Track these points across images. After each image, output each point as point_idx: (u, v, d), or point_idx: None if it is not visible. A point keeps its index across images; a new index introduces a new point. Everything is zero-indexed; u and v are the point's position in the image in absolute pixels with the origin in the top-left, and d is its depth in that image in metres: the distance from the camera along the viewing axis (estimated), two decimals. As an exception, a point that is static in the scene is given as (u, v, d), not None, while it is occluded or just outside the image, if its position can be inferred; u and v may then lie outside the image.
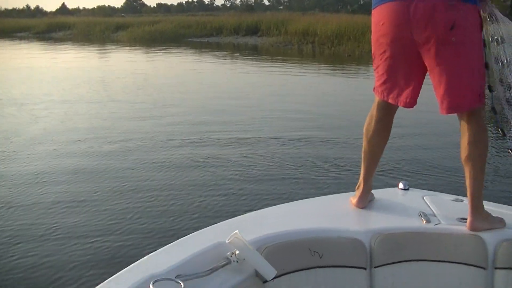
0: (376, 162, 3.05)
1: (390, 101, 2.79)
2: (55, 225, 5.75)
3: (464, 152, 2.69)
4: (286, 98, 13.98)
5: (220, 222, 2.70)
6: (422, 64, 2.66)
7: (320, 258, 2.49)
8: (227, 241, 2.26)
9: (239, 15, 43.05)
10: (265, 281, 2.32)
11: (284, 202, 3.09)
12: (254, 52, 29.93)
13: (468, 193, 2.70)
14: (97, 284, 2.02)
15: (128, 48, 35.59)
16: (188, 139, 9.37)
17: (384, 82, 2.78)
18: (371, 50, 2.90)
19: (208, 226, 2.63)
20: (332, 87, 16.40)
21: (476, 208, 2.68)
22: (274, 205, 3.03)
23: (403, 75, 2.74)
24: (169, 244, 2.41)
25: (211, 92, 15.22)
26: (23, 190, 6.77)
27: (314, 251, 2.49)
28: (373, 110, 2.92)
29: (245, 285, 2.23)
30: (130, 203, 6.31)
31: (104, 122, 11.02)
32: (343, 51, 27.64)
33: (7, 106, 13.05)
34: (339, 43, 29.06)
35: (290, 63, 23.80)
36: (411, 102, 2.75)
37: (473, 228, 2.66)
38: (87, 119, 11.32)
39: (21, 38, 49.48)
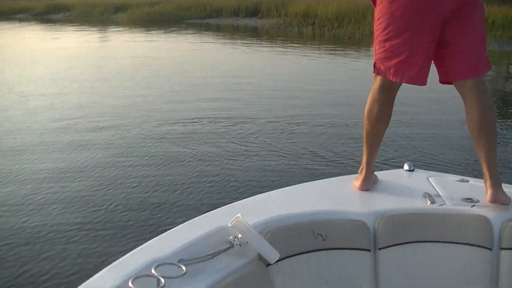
0: (378, 144, 3.05)
1: (404, 81, 2.78)
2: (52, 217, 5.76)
3: (476, 123, 2.70)
4: (285, 80, 13.96)
5: (221, 207, 2.69)
6: (438, 38, 2.71)
7: (324, 240, 2.49)
8: (229, 225, 2.26)
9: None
10: (268, 264, 2.32)
11: (285, 186, 3.07)
12: (254, 34, 29.80)
13: (486, 165, 2.72)
14: (99, 270, 2.04)
15: (127, 29, 35.44)
16: (184, 120, 9.39)
17: (402, 61, 2.73)
18: (372, 33, 2.87)
19: (209, 211, 2.63)
20: (331, 70, 16.34)
21: (497, 179, 2.70)
22: (275, 189, 3.01)
23: (425, 51, 2.74)
24: (171, 229, 2.41)
25: (209, 74, 15.18)
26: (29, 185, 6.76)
27: (317, 233, 2.49)
28: (374, 93, 2.90)
29: (248, 268, 2.23)
30: (126, 192, 6.29)
31: (97, 104, 11.03)
32: (343, 34, 27.50)
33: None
34: (339, 26, 28.88)
35: (290, 45, 23.71)
36: (425, 80, 2.79)
37: (495, 199, 2.67)
38: (80, 101, 11.32)
39: (20, 20, 49.23)
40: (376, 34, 2.83)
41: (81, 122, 9.42)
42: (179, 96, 11.72)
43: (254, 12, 37.65)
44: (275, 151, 7.70)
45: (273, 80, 13.94)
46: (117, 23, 41.53)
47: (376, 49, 2.86)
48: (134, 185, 6.46)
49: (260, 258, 2.29)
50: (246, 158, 7.37)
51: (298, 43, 24.50)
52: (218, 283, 2.09)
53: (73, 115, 10.01)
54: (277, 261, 2.31)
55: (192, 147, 7.85)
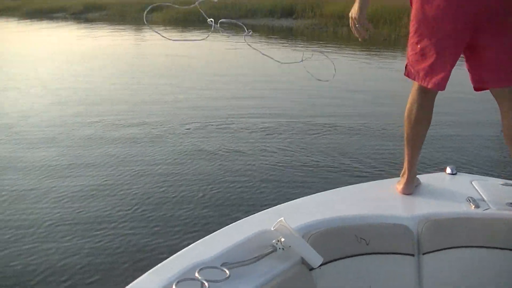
0: (419, 147, 3.02)
1: (430, 86, 2.75)
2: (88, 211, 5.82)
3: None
4: (317, 82, 13.82)
5: (263, 210, 2.71)
6: (467, 44, 2.66)
7: (367, 244, 2.48)
8: (272, 229, 2.27)
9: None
10: (311, 269, 2.31)
11: (327, 189, 3.06)
12: (289, 35, 29.71)
13: None
14: (142, 274, 2.08)
15: (162, 29, 35.66)
16: (220, 124, 9.38)
17: (430, 66, 2.71)
18: (407, 35, 2.86)
19: (250, 215, 2.64)
20: (367, 71, 16.25)
21: None
22: (317, 192, 3.00)
23: (452, 56, 2.70)
24: (214, 232, 2.43)
25: (244, 77, 15.14)
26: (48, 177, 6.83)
27: (360, 237, 2.48)
28: (413, 94, 2.88)
29: (291, 272, 2.22)
30: (167, 192, 6.39)
31: (128, 104, 11.08)
32: (378, 35, 27.25)
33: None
34: (374, 27, 28.38)
35: (324, 45, 23.58)
36: (445, 85, 2.75)
37: None
38: (112, 100, 11.39)
39: (58, 19, 49.90)
40: (409, 35, 2.83)
41: (111, 119, 9.51)
42: (213, 95, 11.74)
43: (289, 13, 37.54)
44: (315, 153, 7.71)
45: (307, 80, 13.86)
46: (152, 23, 41.80)
47: (408, 51, 2.85)
48: (172, 184, 6.59)
49: (303, 262, 2.28)
50: (285, 160, 7.38)
51: (332, 44, 24.37)
52: (261, 287, 2.09)
53: (97, 111, 10.11)
54: (320, 265, 2.30)
55: (230, 148, 7.93)
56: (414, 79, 2.82)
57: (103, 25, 40.11)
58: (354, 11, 2.88)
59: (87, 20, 47.33)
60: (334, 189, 3.06)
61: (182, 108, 10.51)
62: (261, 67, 16.76)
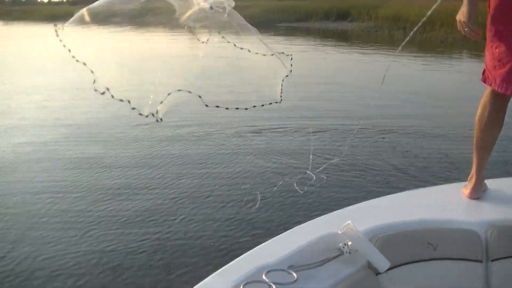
0: (489, 152, 2.97)
1: (508, 93, 2.71)
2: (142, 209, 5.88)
3: None
4: (376, 84, 13.67)
5: (329, 212, 2.68)
6: None
7: (435, 250, 2.42)
8: (339, 232, 2.24)
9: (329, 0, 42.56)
10: (378, 273, 2.28)
11: (392, 193, 3.02)
12: (344, 38, 29.59)
13: None
14: (208, 275, 2.09)
15: (216, 33, 35.87)
16: (285, 126, 9.42)
17: (508, 72, 2.65)
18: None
19: (316, 217, 2.62)
20: (425, 74, 15.96)
21: None
22: (383, 195, 2.97)
23: None
24: (280, 234, 2.42)
25: (301, 78, 15.08)
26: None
27: (428, 242, 2.42)
28: (486, 98, 2.84)
29: (358, 276, 2.20)
30: (231, 193, 6.40)
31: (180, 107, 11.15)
32: (435, 37, 26.88)
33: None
34: (431, 29, 28.16)
35: (381, 48, 23.39)
36: None
37: None
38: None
39: (115, 23, 50.72)
40: (487, 41, 2.77)
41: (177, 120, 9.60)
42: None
43: (344, 16, 37.43)
44: (379, 155, 7.68)
45: (366, 83, 13.76)
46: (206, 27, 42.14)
47: (486, 56, 2.79)
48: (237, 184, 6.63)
49: (370, 266, 2.25)
50: (350, 163, 7.36)
51: (388, 47, 24.16)
52: None
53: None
54: (387, 270, 2.27)
55: (290, 149, 7.98)
56: (490, 85, 2.76)
57: (157, 29, 40.50)
58: (462, 15, 2.81)
59: (144, 24, 47.93)
60: (401, 192, 3.02)
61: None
62: (318, 71, 16.69)
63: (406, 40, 3.04)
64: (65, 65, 17.38)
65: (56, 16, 61.94)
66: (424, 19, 2.89)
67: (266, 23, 40.65)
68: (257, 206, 5.95)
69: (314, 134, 8.87)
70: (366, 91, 12.99)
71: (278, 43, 26.22)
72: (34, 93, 13.41)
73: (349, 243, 2.21)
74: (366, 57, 20.13)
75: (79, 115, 10.60)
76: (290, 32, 34.50)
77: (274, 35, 32.03)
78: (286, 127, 9.32)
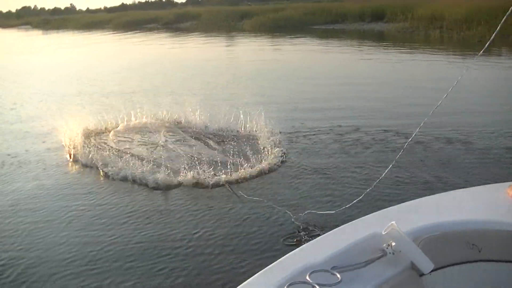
0: None
1: None
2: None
3: None
4: (414, 86, 13.53)
5: (373, 212, 2.65)
6: None
7: (479, 252, 2.37)
8: (383, 233, 2.22)
9: (364, 0, 42.22)
10: (421, 274, 2.24)
11: (436, 193, 2.96)
12: (380, 39, 29.39)
13: None
14: (253, 275, 2.10)
15: (252, 36, 36.05)
16: (336, 125, 9.51)
17: None
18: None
19: (360, 217, 2.60)
20: (467, 75, 15.70)
21: None
22: (426, 195, 2.91)
23: None
24: (324, 235, 2.41)
25: (342, 80, 15.00)
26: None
27: (472, 244, 2.38)
28: None
29: (401, 278, 2.16)
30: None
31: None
32: (472, 36, 26.49)
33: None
34: (468, 28, 27.82)
35: (417, 49, 23.19)
36: None
37: None
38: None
39: (150, 29, 51.25)
40: None
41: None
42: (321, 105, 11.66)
43: (379, 17, 37.16)
44: (422, 158, 7.62)
45: (402, 85, 13.65)
46: (242, 30, 42.31)
47: None
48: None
49: (413, 267, 2.21)
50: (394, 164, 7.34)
51: (425, 47, 23.94)
52: None
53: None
54: (431, 271, 2.22)
55: (332, 156, 7.91)
56: None
57: (194, 34, 40.87)
58: None
59: (179, 29, 48.35)
60: (445, 192, 2.95)
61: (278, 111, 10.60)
62: (354, 73, 16.61)
63: (485, 46, 2.96)
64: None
65: (93, 24, 63.02)
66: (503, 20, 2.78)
67: (300, 25, 40.67)
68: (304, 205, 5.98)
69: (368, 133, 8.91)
70: (401, 91, 12.95)
71: (315, 46, 26.18)
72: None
73: (393, 243, 2.19)
74: (400, 59, 19.89)
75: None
76: (325, 34, 34.36)
77: (310, 37, 31.96)
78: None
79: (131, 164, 7.44)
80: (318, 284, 1.89)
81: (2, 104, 13.48)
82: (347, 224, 2.51)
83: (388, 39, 29.03)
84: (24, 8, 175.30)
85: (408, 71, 16.72)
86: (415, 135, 4.91)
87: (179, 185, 6.85)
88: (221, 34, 39.96)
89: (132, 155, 8.04)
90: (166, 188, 6.78)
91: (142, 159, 7.71)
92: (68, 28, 65.79)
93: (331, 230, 2.46)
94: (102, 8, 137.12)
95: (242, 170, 7.07)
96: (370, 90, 13.30)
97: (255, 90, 13.38)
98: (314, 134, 8.96)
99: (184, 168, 7.16)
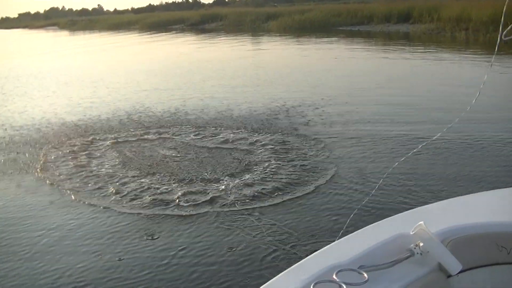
0: None
1: None
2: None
3: None
4: (443, 90, 13.44)
5: (401, 212, 2.68)
6: None
7: (508, 253, 2.36)
8: (411, 233, 2.23)
9: (390, 2, 41.87)
10: (449, 276, 2.24)
11: (466, 193, 2.99)
12: (405, 41, 29.11)
13: None
14: (279, 273, 2.13)
15: (278, 37, 36.00)
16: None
17: None
18: None
19: (389, 216, 2.63)
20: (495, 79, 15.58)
21: None
22: (456, 196, 2.94)
23: None
24: (351, 234, 2.44)
25: (375, 84, 14.93)
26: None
27: (501, 246, 2.36)
28: None
29: (428, 278, 2.16)
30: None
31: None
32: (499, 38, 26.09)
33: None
34: (495, 29, 27.47)
35: (444, 50, 23.02)
36: None
37: None
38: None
39: (176, 30, 51.33)
40: None
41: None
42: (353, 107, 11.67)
43: (405, 18, 36.88)
44: (451, 158, 7.69)
45: (430, 89, 13.58)
46: (268, 31, 42.26)
47: None
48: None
49: (441, 268, 2.21)
50: (424, 163, 7.45)
51: (451, 49, 23.73)
52: None
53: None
54: (459, 272, 2.23)
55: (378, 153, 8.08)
56: None
57: (220, 35, 40.91)
58: None
59: (204, 31, 48.37)
60: (474, 194, 2.96)
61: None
62: (380, 77, 16.56)
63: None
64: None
65: (119, 24, 63.25)
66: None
67: (326, 27, 40.50)
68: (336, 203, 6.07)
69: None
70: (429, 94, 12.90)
71: (342, 49, 26.11)
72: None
73: (421, 244, 2.19)
74: (427, 62, 19.77)
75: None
76: (351, 35, 34.23)
77: (335, 38, 31.84)
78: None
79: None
80: (345, 283, 1.91)
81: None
82: (375, 223, 2.53)
83: (413, 41, 28.78)
84: (52, 9, 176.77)
85: (431, 73, 16.60)
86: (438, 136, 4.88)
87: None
88: (248, 35, 39.93)
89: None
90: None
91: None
92: (95, 29, 66.08)
93: (358, 229, 2.48)
94: (130, 9, 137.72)
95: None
96: (397, 94, 13.29)
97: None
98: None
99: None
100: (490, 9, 29.06)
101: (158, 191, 6.75)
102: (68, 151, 8.79)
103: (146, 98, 13.70)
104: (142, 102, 13.05)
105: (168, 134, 9.61)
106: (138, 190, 6.81)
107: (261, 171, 7.29)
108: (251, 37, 37.92)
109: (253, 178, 7.05)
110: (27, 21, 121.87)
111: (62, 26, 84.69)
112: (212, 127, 10.02)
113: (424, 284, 2.12)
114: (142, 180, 7.18)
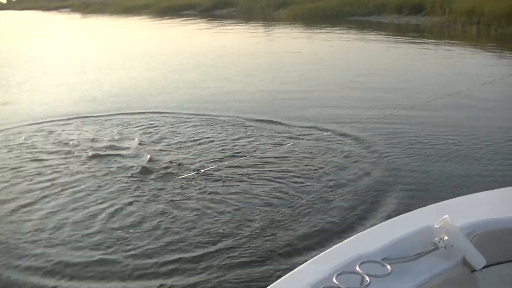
0: None
1: None
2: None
3: None
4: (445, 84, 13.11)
5: (427, 205, 2.65)
6: None
7: None
8: (436, 226, 2.22)
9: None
10: (473, 270, 2.23)
11: (492, 188, 2.92)
12: (415, 33, 28.60)
13: None
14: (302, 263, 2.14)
15: (288, 25, 35.80)
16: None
17: None
18: None
19: (415, 209, 2.62)
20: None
21: None
22: (482, 190, 2.90)
23: None
24: (375, 225, 2.47)
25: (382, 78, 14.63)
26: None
27: None
28: None
29: (452, 273, 2.17)
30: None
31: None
32: (511, 33, 25.63)
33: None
34: (507, 23, 26.89)
35: (454, 45, 22.56)
36: None
37: None
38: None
39: (187, 16, 51.29)
40: None
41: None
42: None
43: (418, 9, 36.35)
44: (478, 153, 7.61)
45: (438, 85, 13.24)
46: (278, 19, 42.02)
47: None
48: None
49: (465, 263, 2.20)
50: (450, 157, 7.43)
51: (464, 41, 23.33)
52: (421, 286, 2.04)
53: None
54: (483, 267, 2.20)
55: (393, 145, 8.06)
56: None
57: (230, 21, 40.78)
58: None
59: (215, 17, 48.29)
60: (500, 188, 2.93)
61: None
62: (393, 70, 16.22)
63: None
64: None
65: (132, 8, 63.30)
66: None
67: (337, 16, 40.15)
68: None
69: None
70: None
71: (351, 39, 25.81)
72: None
73: (445, 237, 2.18)
74: (437, 57, 19.38)
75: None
76: (361, 25, 33.86)
77: (346, 29, 31.51)
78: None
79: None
80: (368, 275, 1.90)
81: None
82: (399, 216, 2.52)
83: (423, 34, 28.29)
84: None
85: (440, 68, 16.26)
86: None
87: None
88: (257, 22, 39.78)
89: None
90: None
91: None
92: (107, 12, 66.22)
93: (383, 221, 2.52)
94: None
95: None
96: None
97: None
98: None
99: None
100: (505, 2, 28.43)
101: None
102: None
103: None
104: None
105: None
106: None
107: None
108: (262, 25, 37.64)
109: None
110: (42, 1, 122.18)
111: (75, 9, 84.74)
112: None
113: (448, 278, 2.13)
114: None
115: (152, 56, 20.28)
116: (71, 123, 9.97)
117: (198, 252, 5.05)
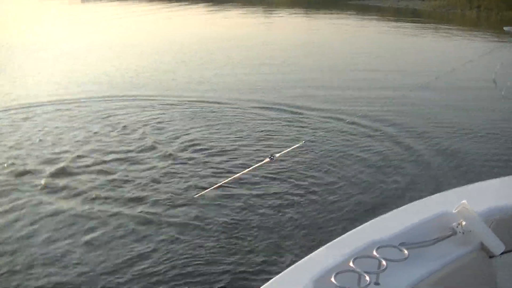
0: None
1: None
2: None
3: None
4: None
5: (446, 190, 2.65)
6: None
7: None
8: (454, 211, 2.21)
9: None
10: (491, 256, 2.23)
11: (507, 174, 2.90)
12: (414, 17, 28.43)
13: None
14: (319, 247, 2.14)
15: (287, 10, 35.61)
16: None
17: None
18: None
19: (432, 194, 2.62)
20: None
21: None
22: (500, 176, 2.89)
23: None
24: (393, 210, 2.44)
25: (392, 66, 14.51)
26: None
27: None
28: None
29: (470, 258, 2.16)
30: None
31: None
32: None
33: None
34: (508, 8, 26.81)
35: (451, 29, 22.45)
36: None
37: None
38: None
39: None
40: None
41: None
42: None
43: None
44: (502, 135, 7.64)
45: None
46: (277, 4, 41.74)
47: None
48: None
49: (483, 248, 2.19)
50: (469, 142, 7.45)
51: (464, 27, 23.22)
52: (438, 271, 2.03)
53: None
54: (502, 253, 2.19)
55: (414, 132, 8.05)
56: None
57: (228, 6, 40.47)
58: None
59: (214, 1, 47.88)
60: None
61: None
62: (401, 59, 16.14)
63: None
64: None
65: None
66: None
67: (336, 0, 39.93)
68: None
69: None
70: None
71: (350, 24, 25.68)
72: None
73: (463, 223, 2.17)
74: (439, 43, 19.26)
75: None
76: (361, 9, 33.66)
77: (344, 13, 31.34)
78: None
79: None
80: (385, 259, 1.89)
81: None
82: (417, 201, 2.51)
83: (422, 18, 28.11)
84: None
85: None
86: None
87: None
88: (255, 6, 39.47)
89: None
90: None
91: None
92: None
93: (400, 207, 2.49)
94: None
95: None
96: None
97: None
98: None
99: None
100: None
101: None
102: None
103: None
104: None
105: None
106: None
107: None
108: (262, 9, 37.42)
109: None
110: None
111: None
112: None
113: (466, 263, 2.13)
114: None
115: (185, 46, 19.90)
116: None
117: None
